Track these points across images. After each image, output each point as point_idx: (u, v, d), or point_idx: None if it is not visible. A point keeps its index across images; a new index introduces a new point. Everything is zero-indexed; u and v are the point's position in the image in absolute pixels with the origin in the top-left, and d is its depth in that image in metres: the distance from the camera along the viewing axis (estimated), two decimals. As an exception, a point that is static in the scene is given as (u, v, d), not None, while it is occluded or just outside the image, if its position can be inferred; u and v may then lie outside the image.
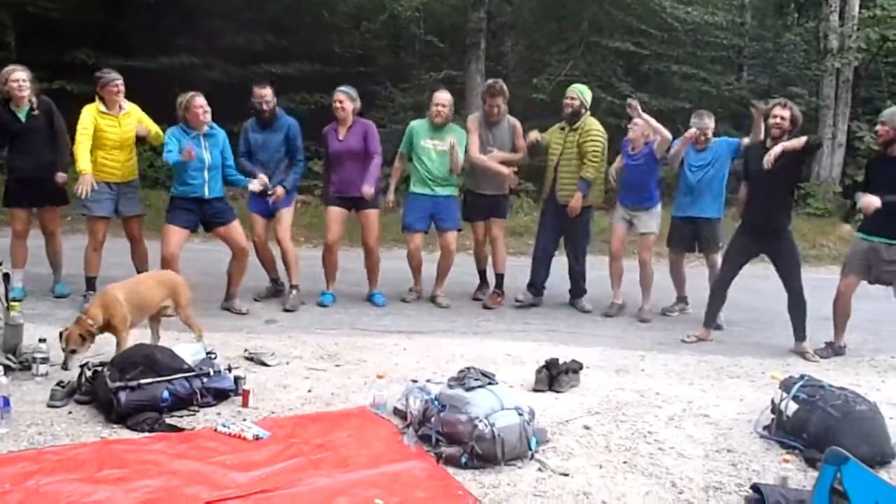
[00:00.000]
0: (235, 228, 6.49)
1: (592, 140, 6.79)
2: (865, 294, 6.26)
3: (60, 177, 6.50)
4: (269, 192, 6.54)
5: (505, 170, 6.97)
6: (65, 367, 4.56)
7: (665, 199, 7.20)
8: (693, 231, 6.82)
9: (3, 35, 13.55)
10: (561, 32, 14.89)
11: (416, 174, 7.01)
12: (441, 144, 6.89)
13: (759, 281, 6.98)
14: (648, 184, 6.89)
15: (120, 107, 6.44)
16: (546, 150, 7.17)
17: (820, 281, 6.27)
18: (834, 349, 6.11)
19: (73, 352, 4.58)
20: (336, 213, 6.91)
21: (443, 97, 6.96)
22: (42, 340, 4.58)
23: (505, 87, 7.03)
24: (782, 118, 5.89)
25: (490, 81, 7.17)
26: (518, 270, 7.46)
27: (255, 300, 6.90)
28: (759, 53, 16.18)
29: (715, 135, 6.89)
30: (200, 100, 6.18)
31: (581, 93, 6.97)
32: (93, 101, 6.43)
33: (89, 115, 6.31)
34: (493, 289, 7.33)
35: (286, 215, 6.86)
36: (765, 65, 16.11)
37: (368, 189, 6.70)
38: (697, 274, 7.26)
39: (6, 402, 3.88)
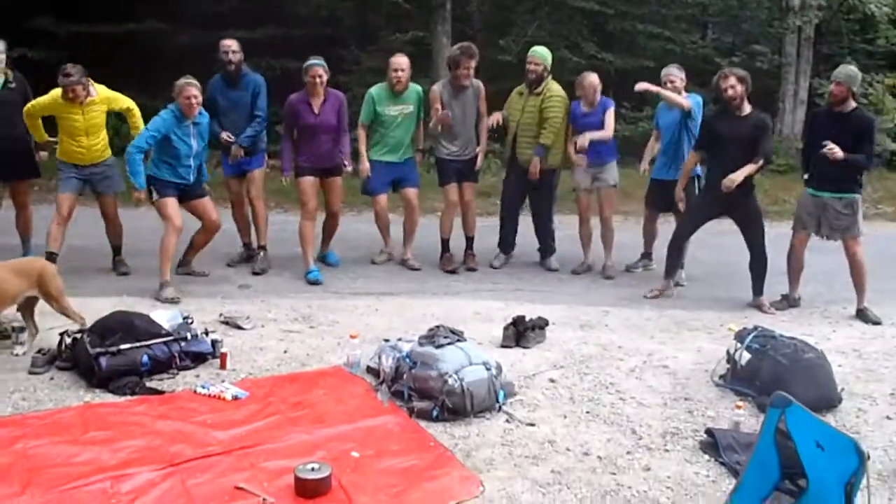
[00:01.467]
0: (208, 202, 6.54)
1: (554, 106, 6.91)
2: (821, 248, 6.51)
3: (42, 155, 6.49)
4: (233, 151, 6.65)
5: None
6: None
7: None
8: (667, 192, 6.83)
9: (-40, 2, 13.27)
10: (527, -8, 14.86)
11: (380, 142, 7.00)
12: (405, 108, 6.92)
13: (718, 237, 7.18)
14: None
15: (88, 93, 6.29)
16: (507, 114, 7.20)
17: (782, 236, 6.44)
18: (789, 301, 6.35)
19: None
20: (310, 183, 6.86)
21: (400, 61, 6.89)
22: (19, 310, 4.67)
23: (476, 50, 7.04)
24: (731, 87, 5.98)
25: (464, 44, 7.09)
26: (486, 231, 7.59)
27: (229, 265, 6.99)
28: (723, 11, 16.23)
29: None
30: (193, 90, 6.03)
31: (543, 57, 7.03)
32: (57, 70, 6.27)
33: (49, 99, 6.27)
34: (467, 251, 7.43)
35: (258, 175, 6.96)
36: (729, 23, 16.18)
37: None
38: (664, 231, 7.39)
39: (-11, 370, 3.99)
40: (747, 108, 6.08)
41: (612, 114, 6.91)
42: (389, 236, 7.43)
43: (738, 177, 5.86)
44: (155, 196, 6.19)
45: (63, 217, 6.39)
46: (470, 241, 7.42)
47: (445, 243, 7.38)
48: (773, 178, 12.48)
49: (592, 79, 6.94)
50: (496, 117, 7.10)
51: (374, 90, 7.00)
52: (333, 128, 6.79)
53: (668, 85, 6.74)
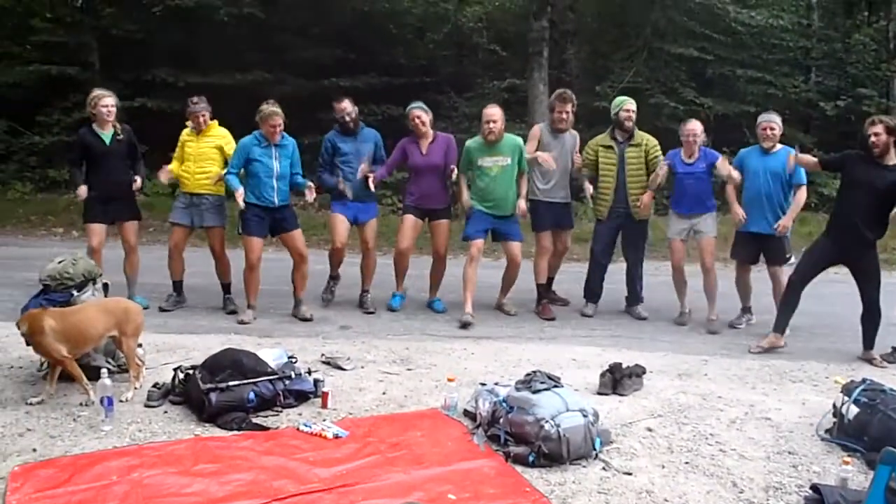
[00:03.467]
0: (298, 236, 6.85)
1: (658, 155, 7.04)
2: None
3: (137, 181, 6.92)
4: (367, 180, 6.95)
5: (549, 158, 7.00)
6: None
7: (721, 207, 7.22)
8: (757, 243, 6.76)
9: (87, 56, 14.30)
10: (623, 39, 14.94)
11: (477, 193, 7.06)
12: (501, 160, 6.95)
13: (824, 286, 6.96)
14: (704, 191, 6.89)
15: (205, 125, 6.91)
16: (592, 166, 7.17)
17: (891, 286, 6.23)
18: (901, 355, 6.11)
19: None
20: (412, 221, 7.18)
21: (492, 112, 6.95)
22: (139, 345, 4.94)
23: (574, 96, 7.18)
24: (876, 134, 5.79)
25: (561, 90, 7.26)
26: (569, 277, 7.59)
27: (324, 305, 7.20)
28: (827, 54, 15.90)
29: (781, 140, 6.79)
30: (278, 119, 6.48)
31: (634, 105, 7.13)
32: (174, 118, 6.89)
33: (181, 139, 7.02)
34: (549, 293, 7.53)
35: (373, 224, 7.29)
36: (833, 66, 15.84)
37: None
38: (759, 279, 7.24)
39: (110, 402, 4.24)
40: (893, 159, 5.84)
41: (725, 160, 6.80)
42: (472, 295, 7.24)
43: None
44: (238, 230, 6.71)
45: (173, 247, 6.99)
46: (549, 282, 7.51)
47: (541, 288, 7.39)
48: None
49: (693, 126, 6.88)
50: (578, 162, 7.15)
51: (471, 142, 7.14)
52: (439, 167, 7.03)
53: (768, 132, 6.63)
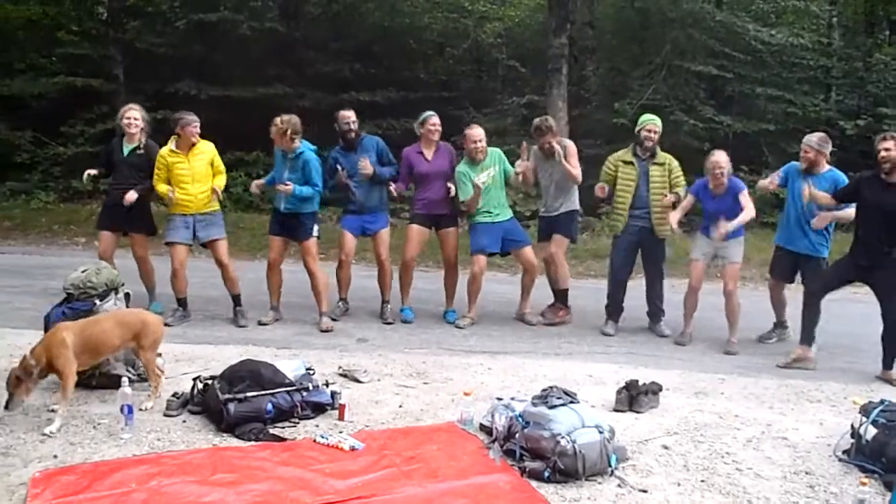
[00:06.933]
0: (309, 248, 6.94)
1: (680, 175, 7.08)
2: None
3: (131, 194, 6.88)
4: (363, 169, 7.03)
5: (572, 168, 7.10)
6: (6, 407, 4.30)
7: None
8: (795, 262, 6.72)
9: (112, 68, 14.48)
10: (643, 56, 14.94)
11: (480, 208, 7.19)
12: (490, 172, 7.14)
13: (843, 305, 6.96)
14: (733, 217, 6.76)
15: (191, 145, 6.84)
16: (611, 181, 7.19)
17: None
18: (920, 376, 6.06)
19: (12, 395, 4.30)
20: (418, 231, 7.31)
21: (477, 133, 7.16)
22: (158, 355, 4.99)
23: (553, 124, 7.31)
24: (886, 149, 5.78)
25: (536, 122, 7.32)
26: (602, 294, 7.57)
27: (333, 320, 7.20)
28: (848, 73, 15.83)
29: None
30: (293, 133, 6.65)
31: (659, 125, 7.15)
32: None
33: (161, 159, 6.83)
34: (557, 303, 7.55)
35: (384, 235, 7.33)
36: (854, 85, 15.76)
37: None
38: (793, 298, 7.16)
39: (130, 410, 4.29)
40: None
41: (747, 195, 6.67)
42: (475, 303, 7.37)
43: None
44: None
45: (175, 265, 6.89)
46: (563, 294, 7.54)
47: (557, 294, 7.59)
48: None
49: (718, 158, 6.73)
50: (601, 190, 7.16)
51: (461, 167, 7.21)
52: (446, 175, 7.16)
53: (802, 155, 6.56)
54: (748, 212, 6.59)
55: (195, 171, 6.83)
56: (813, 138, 6.61)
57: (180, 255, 6.87)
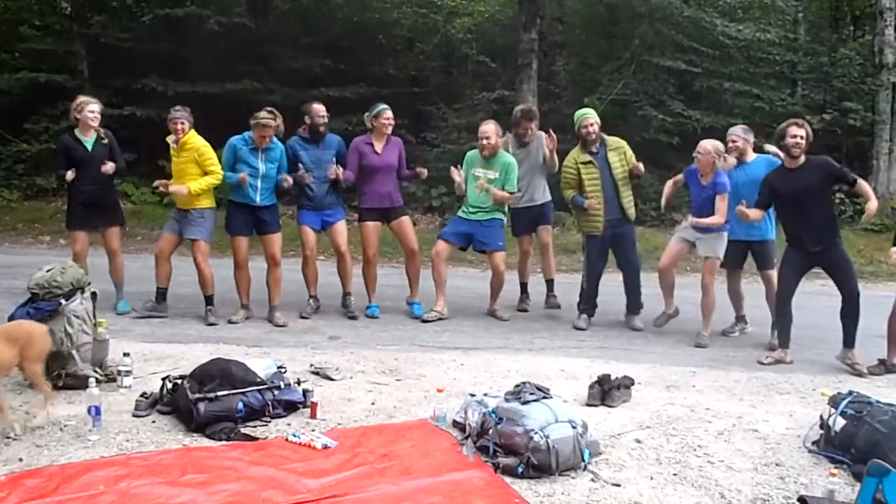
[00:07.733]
0: (274, 240, 6.98)
1: (630, 153, 7.17)
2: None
3: (109, 165, 6.85)
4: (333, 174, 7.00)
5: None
6: None
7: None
8: (744, 249, 6.88)
9: (76, 63, 14.26)
10: (612, 51, 15.02)
11: (465, 200, 7.31)
12: (490, 173, 7.13)
13: (808, 297, 7.01)
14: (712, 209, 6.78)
15: (179, 141, 6.84)
16: (575, 183, 7.11)
17: (877, 297, 6.27)
18: (887, 366, 6.13)
19: None
20: (373, 227, 7.29)
21: (486, 130, 7.14)
22: (126, 354, 4.93)
23: (537, 113, 7.44)
24: (801, 137, 5.98)
25: (523, 107, 7.48)
26: (573, 288, 7.60)
27: (302, 317, 7.18)
28: (813, 68, 16.03)
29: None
30: (267, 132, 6.68)
31: (596, 116, 7.17)
32: (163, 127, 6.93)
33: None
34: (549, 294, 7.69)
35: (342, 227, 7.29)
36: (820, 80, 15.96)
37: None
38: (752, 291, 7.32)
39: (97, 411, 4.21)
40: (801, 161, 6.05)
41: (724, 199, 6.58)
42: (443, 293, 7.36)
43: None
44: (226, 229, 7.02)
45: (160, 252, 6.98)
46: (550, 283, 7.67)
47: (524, 287, 7.76)
48: (867, 238, 12.16)
49: (732, 130, 6.93)
50: (591, 204, 7.00)
51: (471, 152, 7.38)
52: (394, 168, 7.20)
53: (730, 145, 6.75)
54: (717, 217, 6.62)
55: (179, 168, 6.87)
56: (738, 129, 6.92)
57: (162, 243, 6.99)
